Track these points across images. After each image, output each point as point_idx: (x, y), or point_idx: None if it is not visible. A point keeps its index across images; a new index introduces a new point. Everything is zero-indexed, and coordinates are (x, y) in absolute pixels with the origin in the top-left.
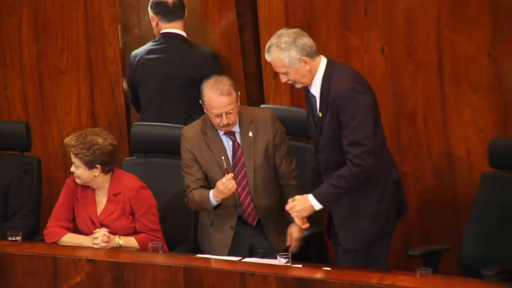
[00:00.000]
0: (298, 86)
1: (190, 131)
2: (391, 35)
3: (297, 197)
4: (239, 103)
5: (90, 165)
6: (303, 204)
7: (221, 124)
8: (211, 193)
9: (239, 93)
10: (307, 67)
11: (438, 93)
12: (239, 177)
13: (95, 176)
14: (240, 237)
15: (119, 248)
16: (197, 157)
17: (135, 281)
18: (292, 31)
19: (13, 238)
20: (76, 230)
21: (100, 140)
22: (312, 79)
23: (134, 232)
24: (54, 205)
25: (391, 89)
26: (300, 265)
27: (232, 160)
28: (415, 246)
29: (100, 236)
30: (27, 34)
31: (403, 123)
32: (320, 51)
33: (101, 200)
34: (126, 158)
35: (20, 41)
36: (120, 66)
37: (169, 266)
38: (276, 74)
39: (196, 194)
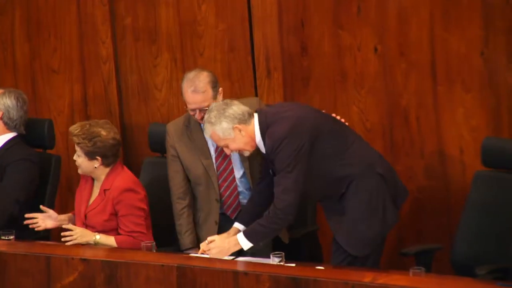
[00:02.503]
0: (246, 154)
1: (174, 126)
2: (384, 33)
3: (218, 238)
4: (220, 98)
5: (90, 155)
6: (222, 248)
7: (195, 117)
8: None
9: (220, 88)
10: (243, 133)
11: (430, 92)
12: (221, 169)
13: (95, 167)
14: None
15: (109, 248)
16: (179, 153)
17: (128, 280)
18: (222, 102)
19: (6, 237)
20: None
21: (103, 133)
22: (255, 142)
23: (112, 230)
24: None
25: (384, 88)
26: (293, 264)
27: (215, 152)
28: (408, 245)
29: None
30: (19, 33)
31: (396, 122)
32: (313, 49)
33: (96, 193)
34: (147, 157)
35: (12, 40)
36: (113, 65)
37: (162, 265)
38: (269, 73)
39: (181, 220)
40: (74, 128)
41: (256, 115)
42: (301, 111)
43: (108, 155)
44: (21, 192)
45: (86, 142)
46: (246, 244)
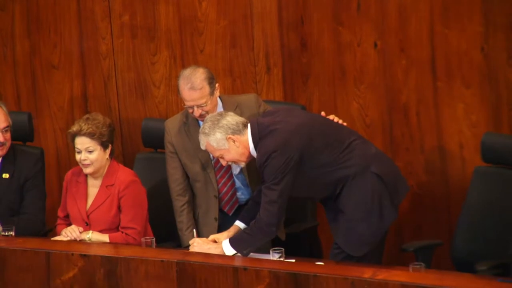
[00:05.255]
0: (242, 165)
1: (171, 123)
2: (384, 30)
3: (199, 241)
4: (217, 94)
5: (105, 145)
6: (202, 250)
7: (193, 115)
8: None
9: (217, 85)
10: (237, 144)
11: (430, 88)
12: (218, 165)
13: (107, 158)
14: None
15: (109, 243)
16: (177, 149)
17: (128, 275)
18: (216, 113)
19: (6, 233)
20: None
21: (104, 119)
22: (249, 153)
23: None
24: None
25: (384, 84)
26: (293, 260)
27: None
28: (408, 241)
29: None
30: (19, 29)
31: (396, 118)
32: (312, 45)
33: (94, 192)
34: (140, 153)
35: (12, 36)
36: (113, 61)
37: (162, 261)
38: (268, 69)
39: (182, 217)
40: (80, 125)
41: (249, 126)
42: (292, 124)
43: (113, 141)
44: (44, 200)
45: (100, 130)
46: (230, 251)
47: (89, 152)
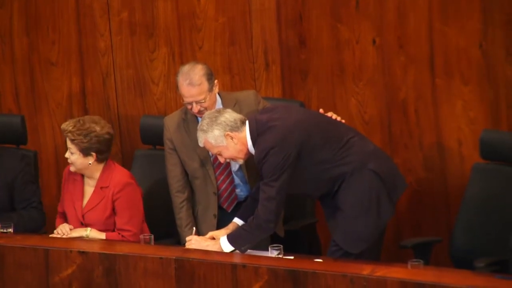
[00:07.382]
0: (240, 162)
1: (170, 120)
2: (383, 27)
3: (197, 239)
4: (216, 90)
5: (85, 152)
6: (200, 247)
7: (192, 111)
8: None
9: (215, 81)
10: (235, 141)
11: (429, 85)
12: (217, 161)
13: (89, 164)
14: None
15: (107, 240)
16: (176, 146)
17: (126, 272)
18: (214, 110)
19: (5, 230)
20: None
21: (97, 128)
22: (248, 150)
23: (113, 229)
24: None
25: (383, 80)
26: (292, 257)
27: None
28: (407, 238)
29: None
30: (18, 26)
31: (394, 115)
32: (311, 42)
33: (89, 191)
34: (138, 149)
35: (11, 33)
36: (111, 57)
37: (161, 258)
38: (267, 66)
39: (181, 214)
40: (68, 125)
41: (247, 123)
42: (291, 120)
43: (103, 151)
44: (38, 195)
45: (82, 138)
46: (228, 248)
47: (70, 153)
